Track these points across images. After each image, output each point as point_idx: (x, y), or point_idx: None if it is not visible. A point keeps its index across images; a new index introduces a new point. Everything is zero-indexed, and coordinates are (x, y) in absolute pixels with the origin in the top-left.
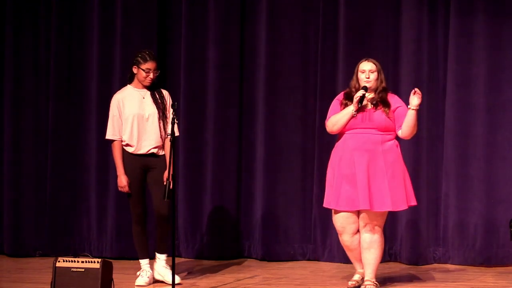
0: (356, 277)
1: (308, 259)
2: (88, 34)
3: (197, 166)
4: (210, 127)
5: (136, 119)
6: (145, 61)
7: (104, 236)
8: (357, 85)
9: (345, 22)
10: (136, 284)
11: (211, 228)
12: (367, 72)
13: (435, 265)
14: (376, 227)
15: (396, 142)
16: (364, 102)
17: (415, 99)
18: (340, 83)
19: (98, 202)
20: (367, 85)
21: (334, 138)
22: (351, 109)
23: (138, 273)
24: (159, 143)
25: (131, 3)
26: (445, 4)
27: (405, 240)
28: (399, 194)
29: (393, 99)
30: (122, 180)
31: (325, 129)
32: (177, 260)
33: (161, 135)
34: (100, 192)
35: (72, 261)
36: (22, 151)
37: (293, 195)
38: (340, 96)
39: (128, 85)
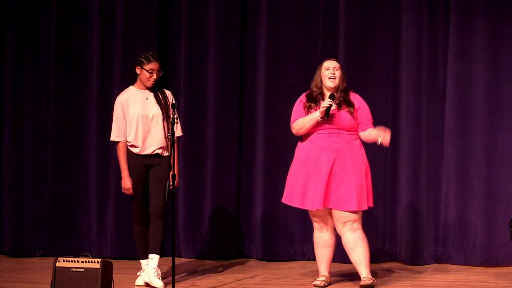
0: (322, 278)
1: (308, 259)
2: (88, 34)
3: (197, 166)
4: (210, 127)
5: (140, 120)
6: (149, 61)
7: (104, 236)
8: (319, 84)
9: (345, 22)
10: (136, 284)
11: (211, 228)
12: (331, 69)
13: (435, 265)
14: (355, 224)
15: (360, 141)
16: (333, 107)
17: (382, 137)
18: None
19: (98, 203)
20: (332, 84)
21: None
22: (316, 115)
23: (138, 273)
24: (164, 143)
25: (131, 3)
26: (445, 4)
27: (405, 240)
28: (362, 194)
29: (355, 98)
30: (127, 183)
31: (292, 131)
32: (177, 260)
33: (165, 135)
34: (100, 192)
35: (72, 261)
36: (22, 151)
37: None
38: (303, 98)
39: (131, 86)
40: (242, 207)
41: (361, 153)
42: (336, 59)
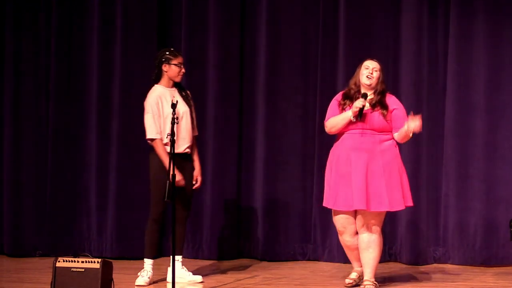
0: (353, 275)
1: (308, 259)
2: (88, 34)
3: None
4: (210, 127)
5: None
6: (175, 56)
7: (104, 236)
8: (358, 82)
9: (345, 22)
10: (136, 284)
11: (211, 228)
12: (370, 68)
13: (435, 265)
14: (374, 227)
15: (394, 141)
16: (366, 107)
17: (412, 125)
18: (340, 83)
19: (98, 202)
20: (368, 82)
21: (334, 138)
22: (349, 114)
23: (138, 273)
24: (191, 142)
25: (131, 3)
26: (445, 4)
27: (405, 240)
28: (396, 194)
29: (390, 99)
30: (177, 175)
31: (325, 129)
32: None
33: (191, 133)
34: (100, 192)
35: (72, 261)
36: (22, 151)
37: (293, 195)
38: (339, 96)
39: (156, 85)
40: (242, 207)
41: (394, 153)
42: (378, 60)
